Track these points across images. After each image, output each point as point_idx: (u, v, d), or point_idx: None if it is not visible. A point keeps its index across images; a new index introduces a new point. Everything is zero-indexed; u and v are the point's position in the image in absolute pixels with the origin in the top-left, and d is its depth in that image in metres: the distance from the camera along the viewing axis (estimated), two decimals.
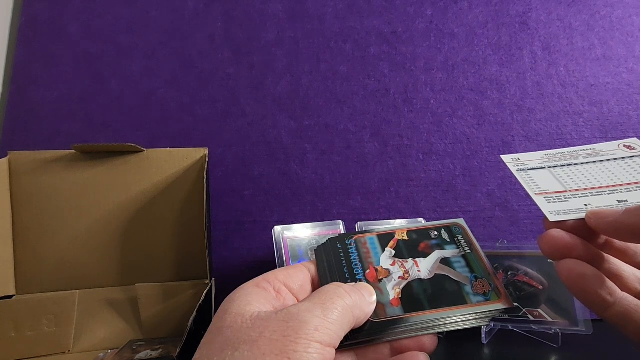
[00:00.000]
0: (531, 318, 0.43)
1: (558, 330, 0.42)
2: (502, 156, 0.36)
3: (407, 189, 0.59)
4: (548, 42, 0.63)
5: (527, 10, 0.65)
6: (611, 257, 0.27)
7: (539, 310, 0.44)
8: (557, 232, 0.27)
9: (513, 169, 0.34)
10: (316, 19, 0.65)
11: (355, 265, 0.31)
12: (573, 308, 0.42)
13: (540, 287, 0.44)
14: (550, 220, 0.28)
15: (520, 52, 0.63)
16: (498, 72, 0.63)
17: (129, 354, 0.42)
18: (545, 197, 0.30)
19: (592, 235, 0.27)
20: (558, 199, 0.30)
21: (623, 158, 0.32)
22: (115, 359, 0.42)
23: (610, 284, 0.25)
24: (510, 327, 0.44)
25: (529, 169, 0.34)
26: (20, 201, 0.49)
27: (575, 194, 0.30)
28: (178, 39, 0.65)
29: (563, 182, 0.32)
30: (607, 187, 0.30)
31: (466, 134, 0.61)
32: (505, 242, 0.48)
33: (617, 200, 0.28)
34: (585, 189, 0.30)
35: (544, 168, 0.34)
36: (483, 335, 0.45)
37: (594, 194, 0.29)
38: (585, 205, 0.28)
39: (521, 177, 0.33)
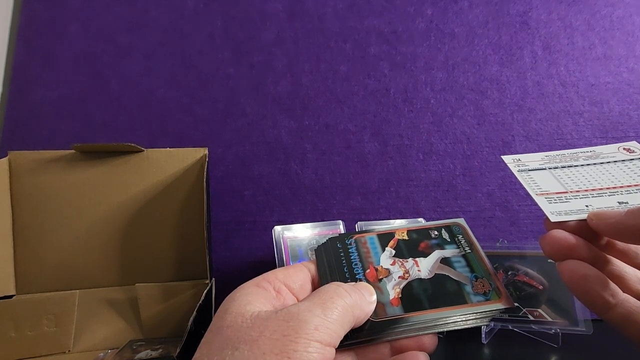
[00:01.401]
0: (531, 318, 0.43)
1: (558, 330, 0.42)
2: (502, 157, 0.36)
3: (407, 189, 0.59)
4: (548, 42, 0.63)
5: (527, 9, 0.65)
6: (613, 258, 0.27)
7: (539, 310, 0.43)
8: (559, 233, 0.26)
9: (514, 170, 0.34)
10: (316, 18, 0.65)
11: (355, 264, 0.31)
12: (573, 308, 0.42)
13: (541, 287, 0.44)
14: (552, 220, 0.28)
15: (521, 51, 0.63)
16: (498, 72, 0.63)
17: (129, 354, 0.42)
18: (546, 198, 0.30)
19: (593, 236, 0.27)
20: (559, 199, 0.30)
21: (623, 161, 0.32)
22: (115, 359, 0.42)
23: (613, 285, 0.25)
24: (510, 327, 0.44)
25: (529, 170, 0.34)
26: (20, 201, 0.49)
27: (576, 195, 0.30)
28: (178, 39, 0.65)
29: (564, 183, 0.32)
30: (608, 188, 0.30)
31: (466, 134, 0.61)
32: (505, 242, 0.48)
33: (618, 202, 0.28)
34: (586, 190, 0.30)
35: (545, 169, 0.34)
36: (483, 335, 0.45)
37: (595, 195, 0.29)
38: (587, 206, 0.28)
39: (522, 178, 0.33)
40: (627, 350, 0.45)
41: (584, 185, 0.31)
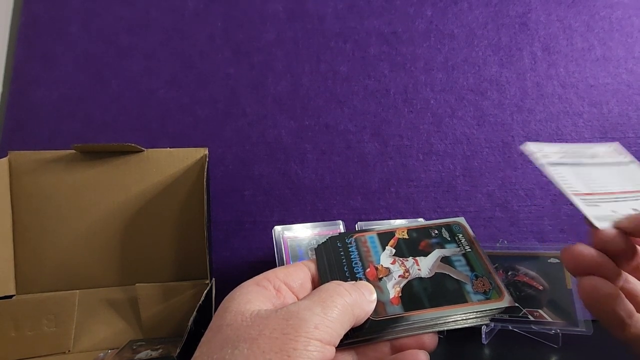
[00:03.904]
0: (531, 318, 0.43)
1: (558, 330, 0.42)
2: (526, 144, 0.32)
3: (407, 189, 0.59)
4: (548, 43, 0.64)
5: (526, 11, 0.65)
6: (629, 275, 0.27)
7: (539, 310, 0.44)
8: (584, 249, 0.26)
9: (542, 161, 0.30)
10: (316, 19, 0.65)
11: (356, 263, 0.31)
12: (573, 308, 0.42)
13: (541, 288, 0.44)
14: (600, 227, 0.26)
15: (520, 52, 0.63)
16: (498, 73, 0.63)
17: (129, 354, 0.42)
18: (581, 199, 0.28)
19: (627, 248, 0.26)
20: (591, 201, 0.28)
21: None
22: (115, 359, 0.42)
23: (629, 304, 0.25)
24: (510, 327, 0.44)
25: (555, 164, 0.30)
26: (20, 201, 0.49)
27: (601, 198, 0.28)
28: (178, 39, 0.65)
29: (588, 183, 0.29)
30: (632, 192, 0.28)
31: (466, 134, 0.61)
32: (505, 242, 0.48)
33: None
34: (610, 193, 0.28)
35: (567, 164, 0.31)
36: (483, 336, 0.45)
37: (619, 199, 0.28)
38: (613, 211, 0.27)
39: (553, 173, 0.29)
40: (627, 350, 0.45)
41: (607, 187, 0.29)
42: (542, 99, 0.62)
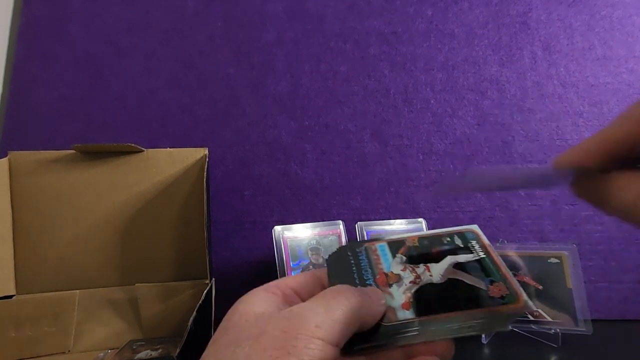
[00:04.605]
0: (531, 318, 0.44)
1: (558, 330, 0.42)
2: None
3: (407, 189, 0.59)
4: (548, 42, 0.63)
5: (527, 10, 0.65)
6: None
7: (539, 310, 0.44)
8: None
9: None
10: (316, 19, 0.65)
11: (365, 271, 0.30)
12: (573, 308, 0.42)
13: (541, 287, 0.44)
14: None
15: (521, 52, 0.63)
16: (498, 72, 0.63)
17: (129, 353, 0.42)
18: None
19: None
20: None
21: None
22: (115, 359, 0.42)
23: None
24: (510, 327, 0.44)
25: None
26: (20, 201, 0.49)
27: None
28: (178, 39, 0.65)
29: None
30: None
31: (466, 134, 0.61)
32: (506, 242, 0.49)
33: None
34: None
35: None
36: (483, 335, 0.45)
37: None
38: None
39: None
40: (627, 350, 0.45)
41: None
42: (543, 99, 0.62)
